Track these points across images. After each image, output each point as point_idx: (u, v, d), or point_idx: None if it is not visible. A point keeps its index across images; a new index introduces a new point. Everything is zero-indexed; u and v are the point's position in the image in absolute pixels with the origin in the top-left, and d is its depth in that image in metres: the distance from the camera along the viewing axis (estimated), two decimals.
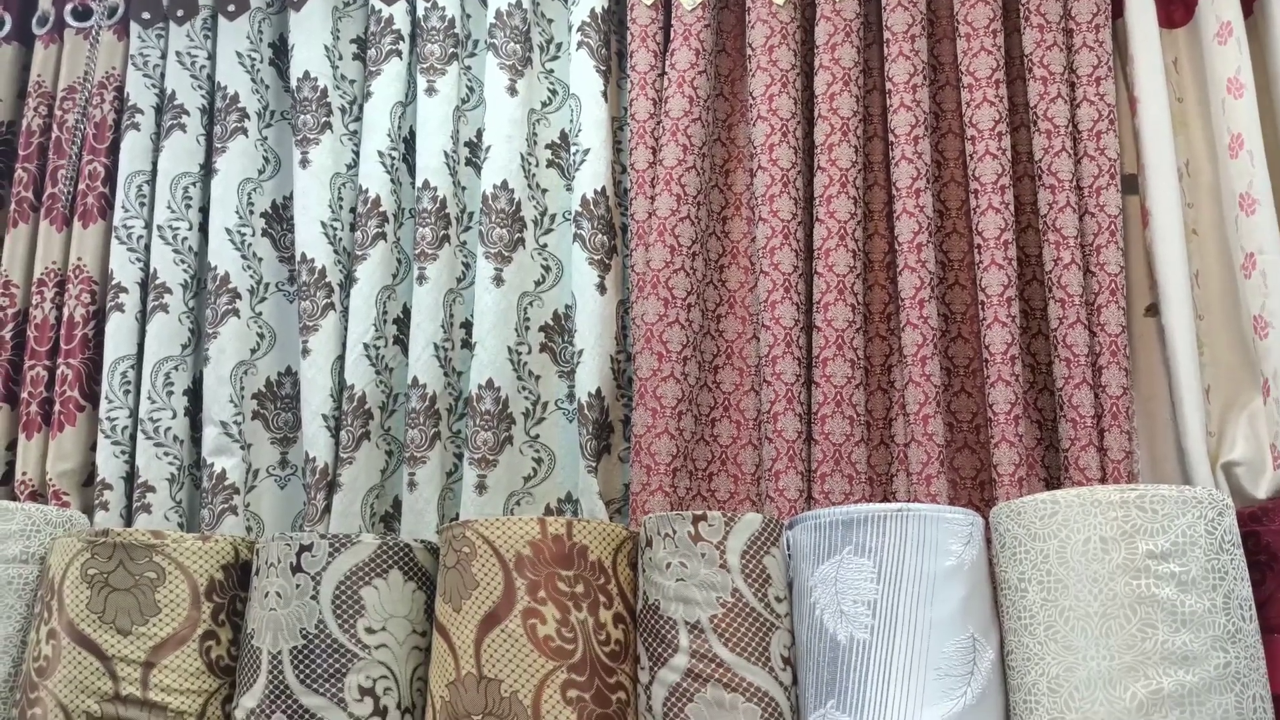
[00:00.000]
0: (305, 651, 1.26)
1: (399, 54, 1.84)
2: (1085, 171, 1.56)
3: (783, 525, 1.33)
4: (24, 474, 1.72)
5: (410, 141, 1.82)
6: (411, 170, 1.80)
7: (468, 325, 1.72)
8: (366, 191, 1.76)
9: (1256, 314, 1.44)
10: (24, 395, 1.76)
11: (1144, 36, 1.60)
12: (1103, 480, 1.43)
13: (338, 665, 1.26)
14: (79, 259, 1.81)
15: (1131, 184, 1.59)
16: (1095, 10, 1.62)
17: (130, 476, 1.69)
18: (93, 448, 1.72)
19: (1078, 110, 1.59)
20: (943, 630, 1.15)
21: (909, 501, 1.47)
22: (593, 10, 1.78)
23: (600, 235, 1.70)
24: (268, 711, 1.25)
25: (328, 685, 1.25)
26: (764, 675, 1.20)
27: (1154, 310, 1.53)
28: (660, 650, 1.24)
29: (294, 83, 1.83)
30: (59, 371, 1.76)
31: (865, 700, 1.13)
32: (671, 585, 1.25)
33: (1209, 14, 1.58)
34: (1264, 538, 1.18)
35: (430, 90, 1.80)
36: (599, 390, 1.62)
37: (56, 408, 1.73)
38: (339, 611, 1.28)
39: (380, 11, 1.85)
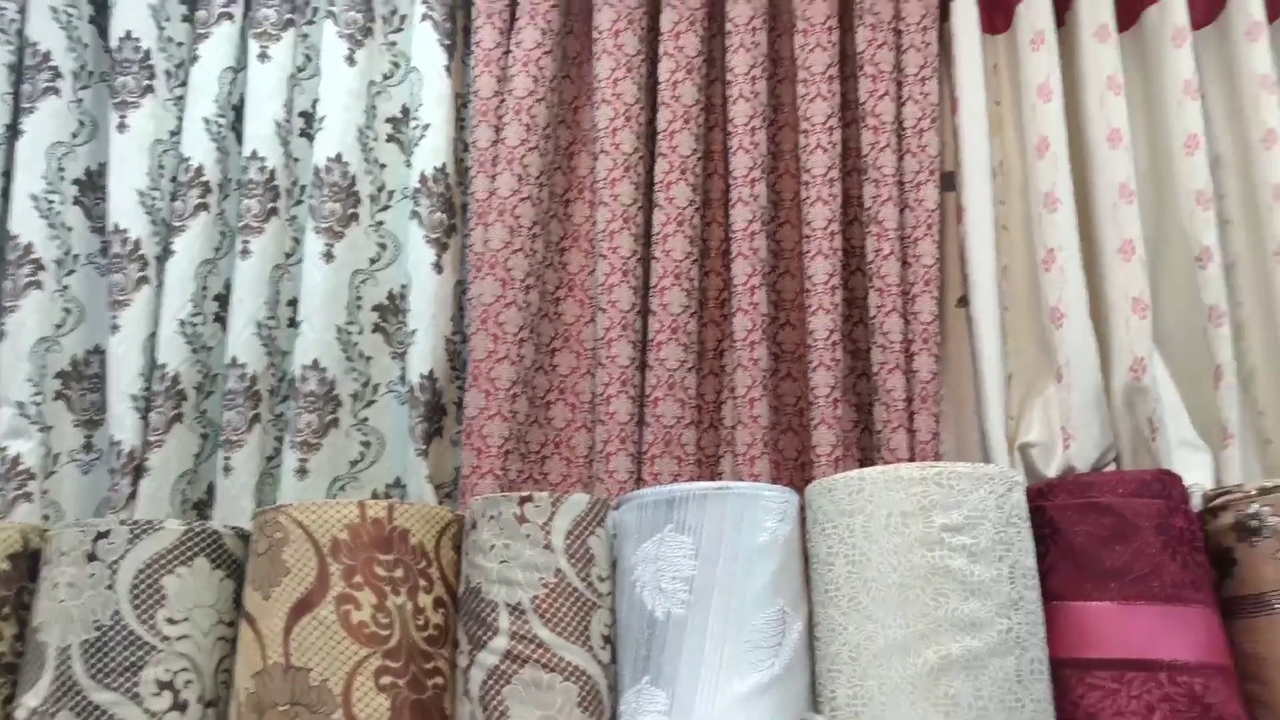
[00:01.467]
0: (98, 645, 1.18)
1: (231, 17, 1.75)
2: (907, 167, 1.63)
3: (609, 505, 1.33)
4: None
5: (240, 110, 1.74)
6: (240, 139, 1.72)
7: (295, 303, 1.65)
8: (189, 160, 1.67)
9: (1054, 305, 1.53)
10: None
11: (967, 41, 1.67)
12: (911, 460, 1.49)
13: (134, 658, 1.18)
14: None
15: (949, 181, 1.66)
16: (924, 13, 1.68)
17: None
18: None
19: (903, 108, 1.65)
20: (754, 604, 1.18)
21: (734, 481, 1.50)
22: None
23: (439, 213, 1.66)
24: (51, 710, 1.16)
25: (121, 680, 1.17)
26: (583, 654, 1.20)
27: (965, 301, 1.61)
28: (480, 633, 1.22)
29: (115, 42, 1.71)
30: None
31: (678, 674, 1.14)
32: (494, 567, 1.24)
33: (1025, 22, 1.67)
34: (1048, 512, 1.25)
35: (263, 56, 1.72)
36: (432, 372, 1.59)
37: None
38: (137, 602, 1.20)
39: None
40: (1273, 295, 1.54)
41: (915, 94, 1.65)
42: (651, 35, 1.74)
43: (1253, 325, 1.58)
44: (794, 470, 1.59)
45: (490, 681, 1.19)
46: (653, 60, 1.73)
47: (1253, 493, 1.26)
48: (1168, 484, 1.25)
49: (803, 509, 1.29)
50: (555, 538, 1.25)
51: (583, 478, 1.60)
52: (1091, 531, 1.20)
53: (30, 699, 1.18)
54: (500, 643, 1.20)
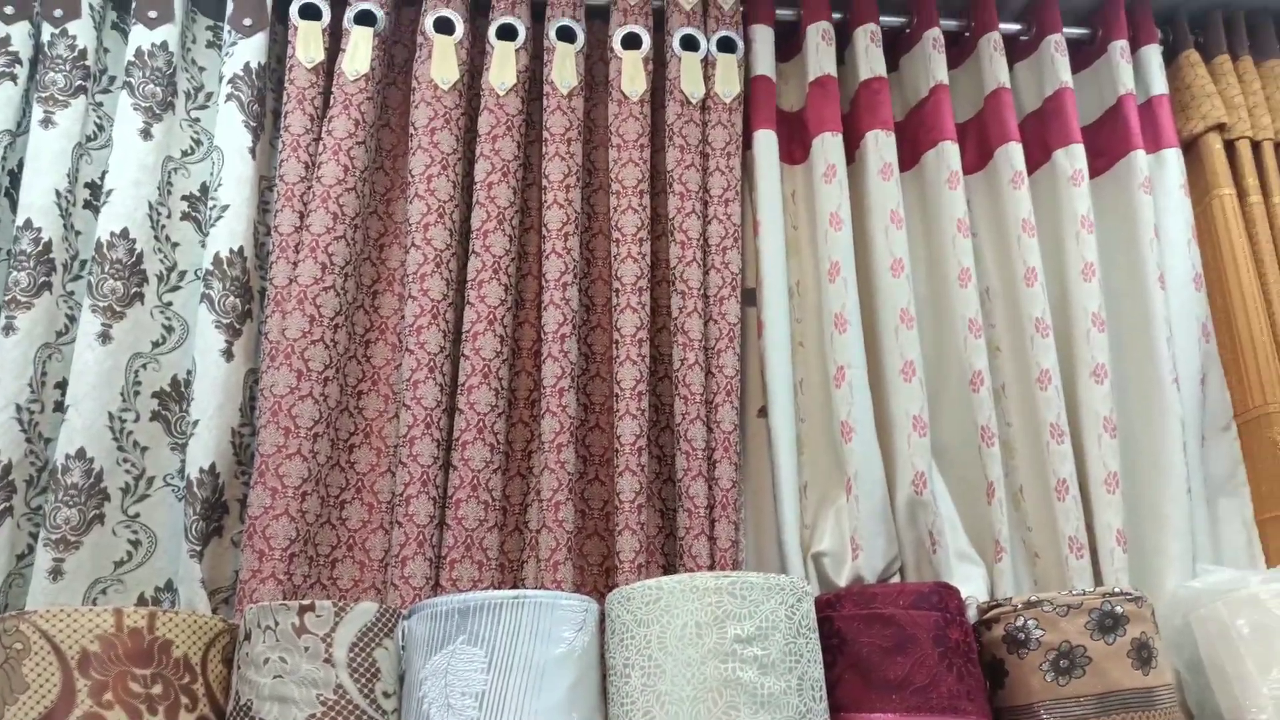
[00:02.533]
0: None
1: (13, 78, 1.64)
2: (712, 282, 1.69)
3: (400, 615, 1.27)
4: None
5: (17, 176, 1.61)
6: (15, 208, 1.58)
7: (65, 386, 1.51)
8: None
9: (844, 419, 1.61)
10: None
11: (767, 169, 1.78)
12: (711, 568, 1.51)
13: None
14: None
15: (751, 297, 1.74)
16: (728, 140, 1.78)
17: None
18: None
19: (709, 226, 1.73)
20: None
21: (538, 588, 1.46)
22: (247, 64, 1.69)
23: (232, 298, 1.58)
24: None
25: None
26: None
27: (765, 412, 1.67)
28: None
29: None
30: None
31: None
32: (268, 683, 1.14)
33: (820, 156, 1.79)
34: (836, 623, 1.29)
35: (47, 122, 1.61)
36: (213, 465, 1.48)
37: None
38: None
39: None
40: (1037, 418, 1.68)
41: (720, 214, 1.73)
42: (469, 136, 1.75)
43: (1020, 445, 1.73)
44: (598, 576, 1.58)
45: None
46: (469, 160, 1.74)
47: (1019, 606, 1.35)
48: (945, 596, 1.32)
49: (604, 617, 1.27)
50: (337, 650, 1.17)
51: (376, 583, 1.52)
52: (875, 643, 1.24)
53: None
54: None
